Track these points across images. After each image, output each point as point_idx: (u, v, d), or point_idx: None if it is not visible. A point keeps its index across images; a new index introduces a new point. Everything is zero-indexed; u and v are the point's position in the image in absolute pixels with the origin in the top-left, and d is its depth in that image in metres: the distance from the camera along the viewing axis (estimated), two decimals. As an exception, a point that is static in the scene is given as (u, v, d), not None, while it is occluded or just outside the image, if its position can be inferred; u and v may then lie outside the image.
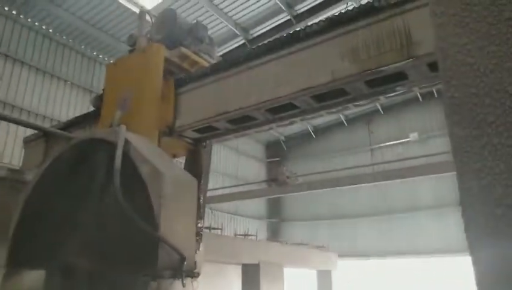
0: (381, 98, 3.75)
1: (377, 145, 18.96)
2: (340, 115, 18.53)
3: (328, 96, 3.70)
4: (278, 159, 21.16)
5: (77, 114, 12.97)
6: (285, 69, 3.66)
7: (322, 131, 20.74)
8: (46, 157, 6.73)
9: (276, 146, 22.39)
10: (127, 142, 3.02)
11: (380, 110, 18.32)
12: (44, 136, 7.14)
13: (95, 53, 14.86)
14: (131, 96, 4.34)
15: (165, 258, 2.57)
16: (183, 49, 4.64)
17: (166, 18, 4.95)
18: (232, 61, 4.16)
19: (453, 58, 0.90)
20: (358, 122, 19.62)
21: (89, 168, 3.21)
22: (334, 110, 4.03)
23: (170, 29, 4.75)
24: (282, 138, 21.83)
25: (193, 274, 2.75)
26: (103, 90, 5.03)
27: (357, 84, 3.42)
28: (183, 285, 2.62)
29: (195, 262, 2.80)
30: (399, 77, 3.33)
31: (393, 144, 18.40)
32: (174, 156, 4.73)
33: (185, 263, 2.66)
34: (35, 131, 8.93)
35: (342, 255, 16.62)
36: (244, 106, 3.94)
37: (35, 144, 7.30)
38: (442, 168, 11.59)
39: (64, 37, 13.93)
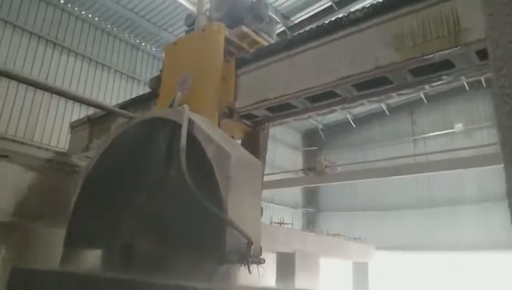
0: (426, 87, 3.64)
1: (420, 136, 18.36)
2: (382, 104, 18.07)
3: (370, 84, 3.64)
4: (315, 148, 20.97)
5: (121, 100, 13.39)
6: (327, 56, 3.62)
7: (362, 120, 20.28)
8: (91, 139, 7.03)
9: (314, 135, 22.15)
10: (191, 121, 2.91)
11: (424, 99, 17.69)
12: (88, 122, 7.46)
13: (138, 41, 15.19)
14: (191, 77, 4.25)
15: (232, 242, 2.46)
16: (244, 28, 4.47)
17: None
18: (272, 49, 4.15)
19: (504, 48, 0.87)
20: (400, 111, 19.01)
21: (149, 148, 3.13)
22: (375, 99, 3.96)
23: (231, 7, 4.59)
24: (321, 126, 21.57)
25: (259, 260, 2.59)
26: (161, 71, 4.96)
27: (401, 72, 3.34)
28: (250, 271, 2.50)
29: (261, 247, 2.65)
30: (446, 65, 3.23)
31: (437, 135, 17.75)
32: (232, 138, 4.63)
33: (252, 248, 2.53)
34: (81, 117, 9.26)
35: (379, 247, 16.39)
36: (283, 93, 3.93)
37: (80, 129, 7.66)
38: (488, 160, 11.13)
39: (109, 26, 14.30)
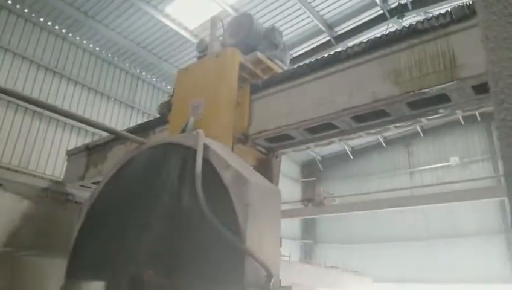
0: (423, 120, 3.69)
1: (416, 169, 18.42)
2: (379, 137, 18.21)
3: (369, 117, 3.68)
4: (313, 179, 20.94)
5: (119, 128, 13.42)
6: (326, 89, 3.68)
7: (359, 152, 20.36)
8: (88, 168, 6.99)
9: (312, 166, 22.16)
10: (206, 147, 2.78)
11: (420, 132, 17.86)
12: (86, 150, 7.43)
13: (138, 71, 15.40)
14: (204, 102, 4.18)
15: (251, 274, 2.30)
16: (259, 54, 4.45)
17: (242, 22, 4.81)
18: (274, 80, 4.20)
19: (505, 82, 0.90)
20: (396, 144, 19.14)
21: (159, 175, 3.00)
22: (373, 131, 4.00)
23: (245, 34, 4.59)
24: (319, 158, 21.62)
25: None
26: (171, 96, 4.91)
27: (399, 105, 3.39)
28: None
29: (280, 280, 2.46)
30: (442, 99, 3.28)
31: (433, 168, 17.82)
32: None
33: (272, 281, 2.37)
34: (78, 145, 9.23)
35: (376, 280, 16.13)
36: (283, 124, 3.96)
37: (77, 157, 7.62)
38: (485, 193, 11.17)
39: (109, 55, 14.53)
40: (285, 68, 4.70)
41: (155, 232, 2.79)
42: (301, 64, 4.13)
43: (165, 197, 2.85)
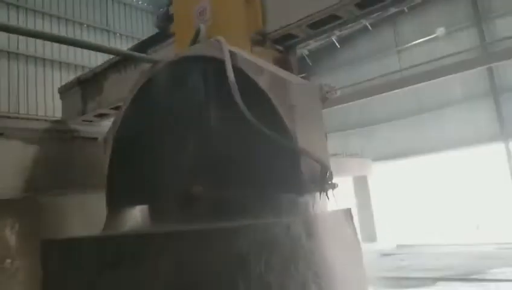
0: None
1: (404, 46, 18.27)
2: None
3: (372, 1, 3.55)
4: (304, 74, 20.76)
5: (99, 56, 12.92)
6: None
7: (345, 40, 19.92)
8: (86, 101, 6.88)
9: (300, 62, 21.83)
10: (232, 53, 2.58)
11: (405, 9, 17.36)
12: (78, 84, 7.22)
13: (104, -10, 14.46)
14: (209, 5, 3.73)
15: (307, 171, 2.29)
16: None
17: None
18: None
19: None
20: (382, 25, 18.67)
21: (184, 91, 2.83)
22: (375, 14, 3.90)
23: None
24: (306, 52, 21.17)
25: (334, 186, 2.42)
26: (168, 6, 4.35)
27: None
28: (328, 198, 2.37)
29: (331, 173, 2.42)
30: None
31: (420, 43, 17.68)
32: None
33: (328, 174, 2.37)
34: (62, 82, 8.95)
35: (375, 159, 16.89)
36: (284, 24, 3.83)
37: (71, 93, 7.43)
38: (474, 63, 11.32)
39: (70, -22, 13.53)
40: None
41: (193, 148, 2.71)
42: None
43: (196, 112, 2.74)
